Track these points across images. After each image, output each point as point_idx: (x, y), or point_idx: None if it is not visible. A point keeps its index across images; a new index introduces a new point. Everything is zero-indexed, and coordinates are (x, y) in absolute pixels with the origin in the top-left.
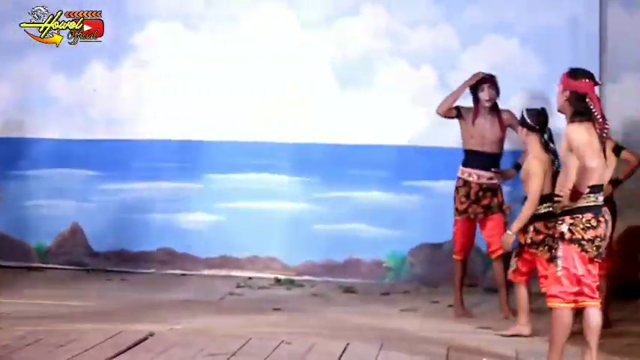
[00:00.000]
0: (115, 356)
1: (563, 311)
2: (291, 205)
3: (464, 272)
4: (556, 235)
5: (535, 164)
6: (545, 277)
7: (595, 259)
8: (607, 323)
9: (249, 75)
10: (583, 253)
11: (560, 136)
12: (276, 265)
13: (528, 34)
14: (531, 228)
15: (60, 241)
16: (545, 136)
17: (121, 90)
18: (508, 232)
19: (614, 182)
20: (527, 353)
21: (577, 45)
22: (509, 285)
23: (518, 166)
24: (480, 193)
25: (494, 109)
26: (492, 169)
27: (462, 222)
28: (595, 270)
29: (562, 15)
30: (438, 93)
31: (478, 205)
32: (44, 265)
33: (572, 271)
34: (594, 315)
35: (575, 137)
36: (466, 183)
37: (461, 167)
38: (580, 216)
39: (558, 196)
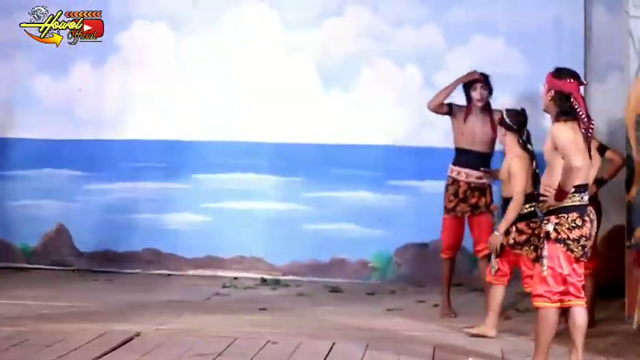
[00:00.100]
0: (100, 356)
1: (548, 311)
2: (276, 205)
3: (451, 272)
4: (541, 235)
5: (516, 163)
6: (531, 277)
7: (580, 259)
8: (592, 323)
9: (235, 75)
10: (569, 253)
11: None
12: (262, 265)
13: (513, 34)
14: (514, 228)
15: (45, 242)
16: (524, 137)
17: (106, 90)
18: (495, 233)
19: (599, 182)
20: (513, 353)
21: (562, 45)
22: None
23: None
24: (468, 192)
25: (487, 108)
26: (481, 169)
27: (449, 220)
28: (580, 269)
29: (547, 15)
30: (424, 93)
31: (466, 203)
32: (30, 266)
33: (558, 271)
34: (580, 314)
35: (560, 136)
36: (455, 181)
37: (451, 165)
38: (565, 215)
39: (544, 195)
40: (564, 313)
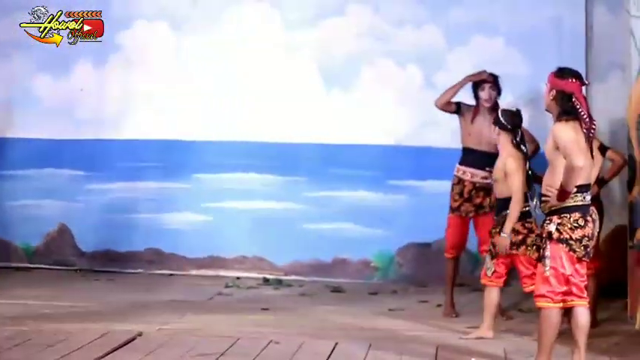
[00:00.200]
0: (103, 356)
1: (551, 311)
2: (278, 205)
3: (455, 271)
4: (544, 235)
5: (511, 162)
6: (528, 276)
7: (583, 259)
8: (595, 323)
9: (236, 75)
10: (571, 253)
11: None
12: (264, 264)
13: (514, 34)
14: None
15: (47, 242)
16: (518, 137)
17: (107, 90)
18: (503, 234)
19: (600, 182)
20: (516, 353)
21: (563, 45)
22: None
23: None
24: (473, 192)
25: (495, 109)
26: (487, 169)
27: (454, 220)
28: (583, 269)
29: (548, 15)
30: (424, 93)
31: (470, 203)
32: (31, 266)
33: (561, 271)
34: (582, 314)
35: (562, 136)
36: (460, 181)
37: (457, 165)
38: (568, 215)
39: (546, 195)
40: (567, 313)
